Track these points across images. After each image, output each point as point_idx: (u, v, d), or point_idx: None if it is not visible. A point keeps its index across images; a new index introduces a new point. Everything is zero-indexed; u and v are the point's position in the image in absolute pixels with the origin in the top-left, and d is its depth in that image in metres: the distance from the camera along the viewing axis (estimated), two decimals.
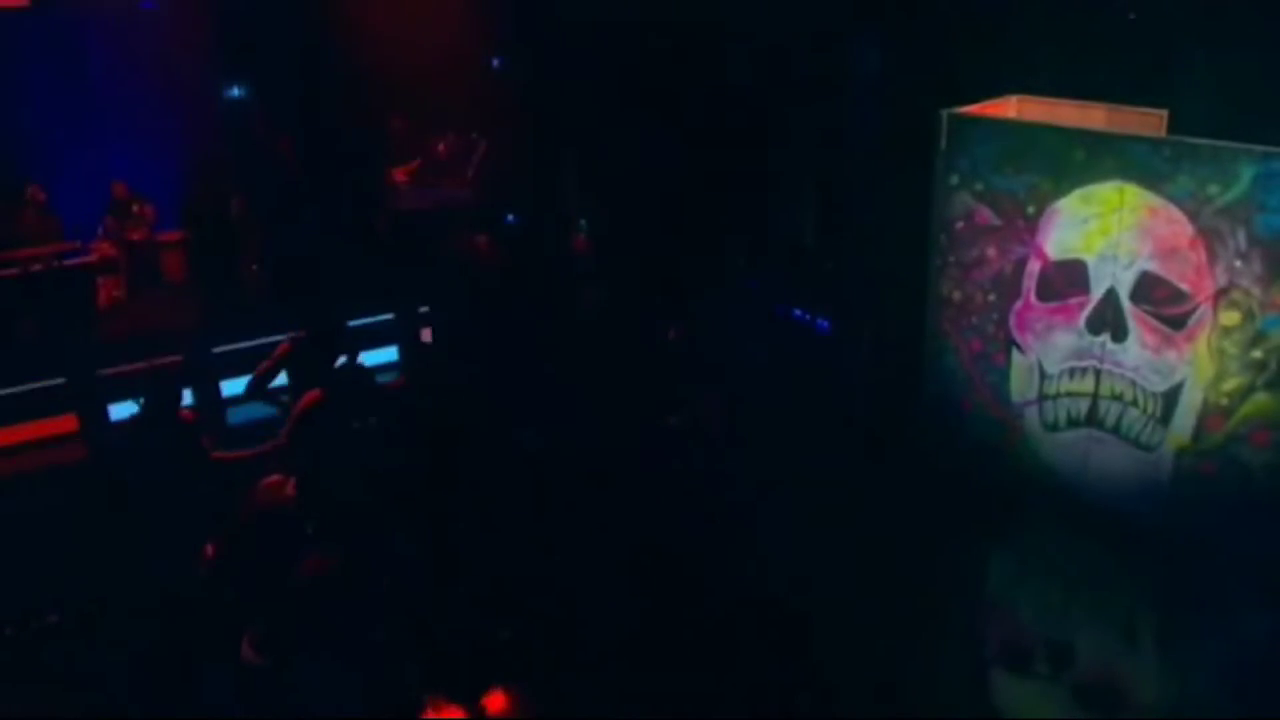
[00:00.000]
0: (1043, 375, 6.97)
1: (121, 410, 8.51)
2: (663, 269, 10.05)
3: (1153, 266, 6.34)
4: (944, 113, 7.01)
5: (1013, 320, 7.04)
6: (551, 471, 7.20)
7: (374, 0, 10.81)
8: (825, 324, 9.85)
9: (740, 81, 9.85)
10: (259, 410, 7.95)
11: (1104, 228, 6.48)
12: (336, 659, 4.93)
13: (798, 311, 10.10)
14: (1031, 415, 7.08)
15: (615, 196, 10.71)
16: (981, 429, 7.31)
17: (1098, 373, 6.71)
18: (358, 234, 10.69)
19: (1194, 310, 6.23)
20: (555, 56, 10.92)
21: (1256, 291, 5.98)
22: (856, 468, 7.53)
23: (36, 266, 8.91)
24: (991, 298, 7.10)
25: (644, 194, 10.44)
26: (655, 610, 6.05)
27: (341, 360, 7.20)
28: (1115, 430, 6.72)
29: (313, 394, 6.29)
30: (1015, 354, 7.08)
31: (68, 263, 9.19)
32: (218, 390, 8.90)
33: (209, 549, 5.04)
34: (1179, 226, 6.18)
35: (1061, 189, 6.62)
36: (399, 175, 11.06)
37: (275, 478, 5.12)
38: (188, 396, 8.56)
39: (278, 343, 7.23)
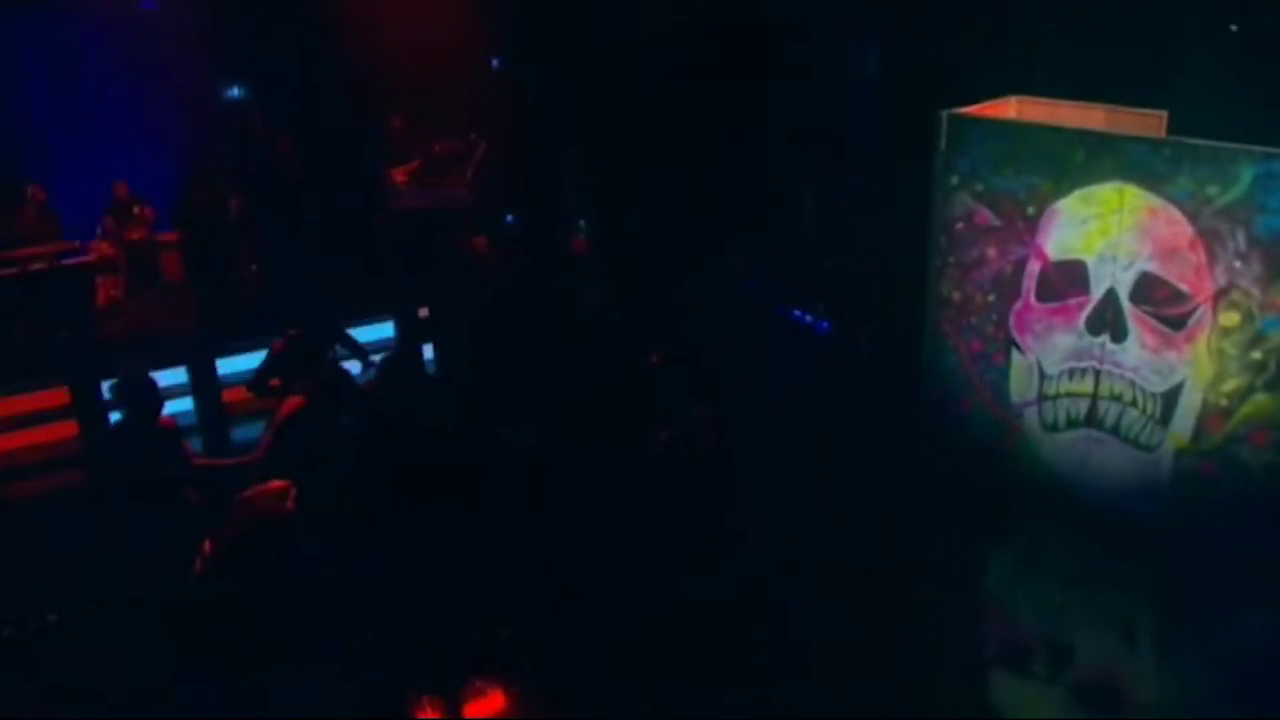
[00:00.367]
0: (1042, 376, 6.97)
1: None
2: (662, 269, 10.06)
3: (1152, 267, 6.34)
4: (944, 113, 7.01)
5: (1012, 321, 7.04)
6: (544, 470, 7.21)
7: (374, 0, 10.82)
8: (825, 324, 9.85)
9: (740, 81, 9.85)
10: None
11: (1104, 228, 6.48)
12: (324, 661, 4.95)
13: (798, 312, 10.11)
14: (1031, 416, 7.08)
15: (615, 197, 10.72)
16: (981, 429, 7.31)
17: (1097, 373, 6.71)
18: (357, 234, 10.69)
19: (1193, 311, 6.23)
20: (555, 57, 10.92)
21: (1256, 292, 5.98)
22: (857, 468, 7.54)
23: (37, 266, 8.91)
24: (991, 298, 7.10)
25: (643, 194, 10.45)
26: (649, 611, 6.05)
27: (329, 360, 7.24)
28: (1115, 431, 6.72)
29: (292, 402, 6.27)
30: (1015, 354, 7.08)
31: (66, 262, 9.18)
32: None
33: (205, 546, 5.04)
34: (1179, 227, 6.18)
35: (1061, 189, 6.61)
36: (398, 175, 11.06)
37: (275, 484, 5.13)
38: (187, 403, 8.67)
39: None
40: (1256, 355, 6.07)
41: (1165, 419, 6.48)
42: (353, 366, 7.80)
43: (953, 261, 7.22)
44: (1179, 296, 6.27)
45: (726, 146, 10.05)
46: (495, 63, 11.99)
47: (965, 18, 7.88)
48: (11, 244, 9.22)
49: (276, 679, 5.18)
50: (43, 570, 6.41)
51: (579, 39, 10.69)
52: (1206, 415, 6.31)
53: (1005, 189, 6.85)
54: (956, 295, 7.26)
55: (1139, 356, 6.50)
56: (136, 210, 10.23)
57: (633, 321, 9.40)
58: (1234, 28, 7.06)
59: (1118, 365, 6.61)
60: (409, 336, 9.89)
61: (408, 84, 10.83)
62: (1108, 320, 6.58)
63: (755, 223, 10.27)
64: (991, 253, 7.02)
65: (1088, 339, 6.70)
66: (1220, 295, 6.10)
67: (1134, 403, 6.57)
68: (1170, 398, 6.43)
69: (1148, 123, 6.77)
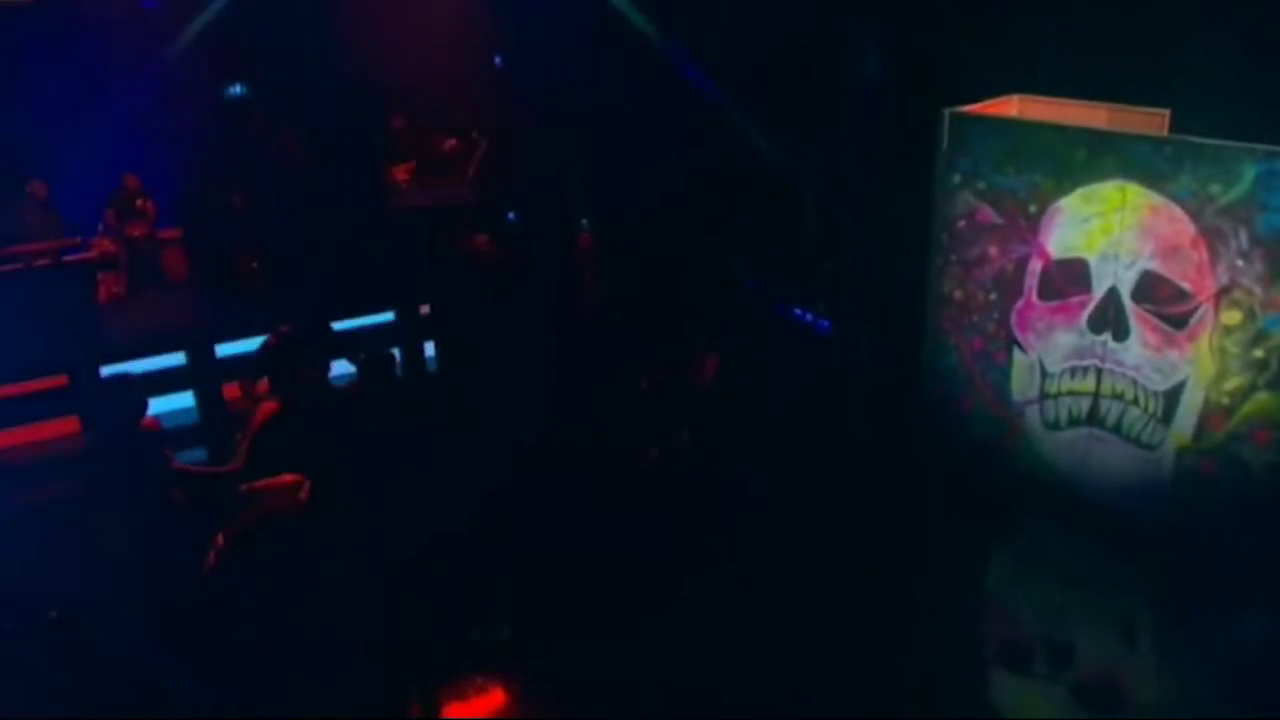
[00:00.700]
0: (1044, 374, 6.97)
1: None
2: (663, 268, 10.06)
3: (1154, 265, 6.34)
4: (946, 112, 7.02)
5: (1014, 319, 7.04)
6: (543, 469, 7.22)
7: None
8: (825, 323, 9.85)
9: (742, 80, 9.86)
10: None
11: (1106, 227, 6.48)
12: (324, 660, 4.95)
13: (798, 311, 10.11)
14: (1032, 414, 7.08)
15: (616, 196, 10.71)
16: (983, 428, 7.31)
17: (1099, 371, 6.72)
18: (358, 232, 10.68)
19: (1195, 309, 6.24)
20: (556, 55, 10.92)
21: (1258, 291, 5.99)
22: (857, 467, 7.54)
23: (41, 262, 8.90)
24: (993, 296, 7.10)
25: (645, 193, 10.44)
26: (649, 611, 6.04)
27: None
28: (1116, 429, 6.72)
29: (265, 409, 6.22)
30: (1016, 353, 7.08)
31: (68, 258, 9.17)
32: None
33: (219, 539, 5.04)
34: (1181, 226, 6.18)
35: (1063, 188, 6.62)
36: (399, 174, 11.06)
37: (288, 477, 5.13)
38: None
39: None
40: (1258, 354, 6.07)
41: (1167, 417, 6.48)
42: (340, 366, 7.73)
43: (954, 260, 7.23)
44: (1181, 295, 6.27)
45: (728, 145, 10.05)
46: (497, 61, 11.98)
47: (967, 16, 7.89)
48: (12, 241, 9.21)
49: (275, 678, 5.19)
50: (42, 567, 6.40)
51: (581, 37, 10.69)
52: (1208, 414, 6.31)
53: (1007, 187, 6.85)
54: (958, 294, 7.26)
55: (1141, 355, 6.50)
56: (140, 203, 10.23)
57: (633, 321, 9.40)
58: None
59: (1119, 364, 6.61)
60: (408, 335, 9.89)
61: (409, 82, 10.83)
62: (1109, 319, 6.58)
63: (757, 221, 10.27)
64: (993, 251, 7.03)
65: (1089, 337, 6.70)
66: (1222, 294, 6.11)
67: (1136, 401, 6.58)
68: (1172, 396, 6.43)
69: (1150, 121, 6.79)
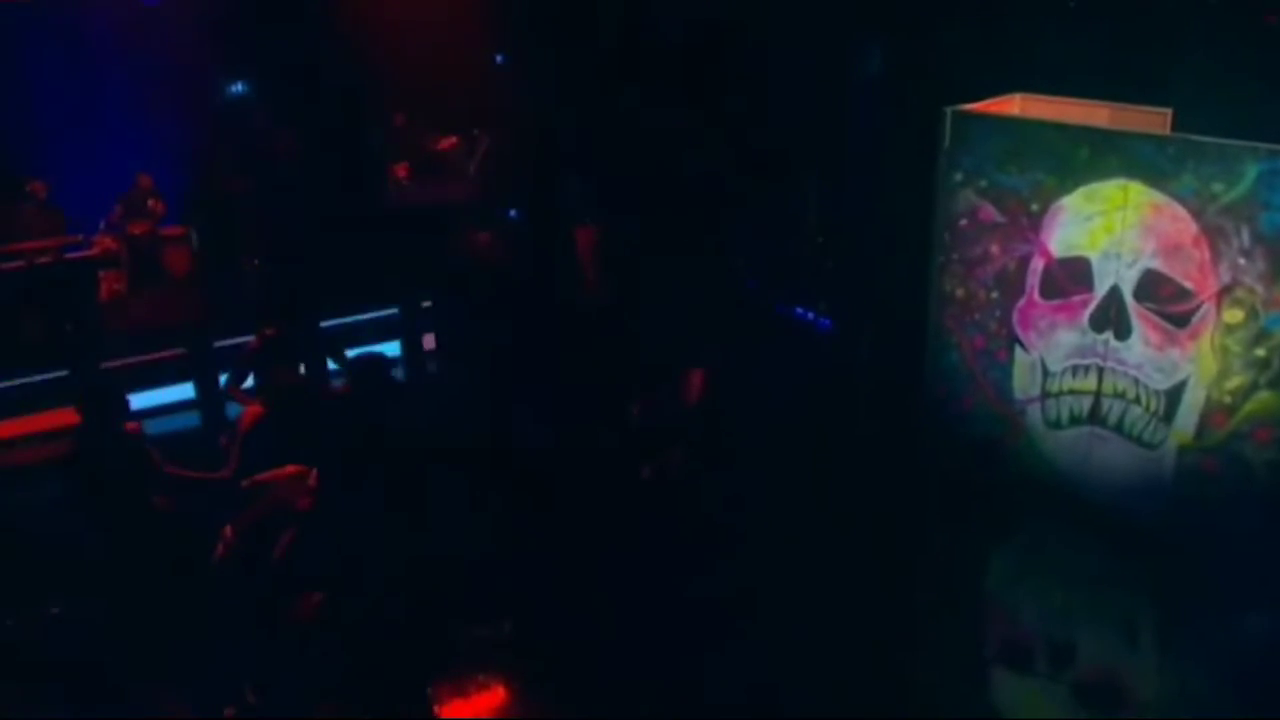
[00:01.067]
0: (1045, 373, 6.97)
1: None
2: (664, 267, 10.05)
3: (1156, 264, 6.34)
4: (948, 110, 7.01)
5: (1016, 317, 7.04)
6: (542, 469, 7.22)
7: None
8: (826, 322, 9.85)
9: (744, 79, 9.85)
10: None
11: (1108, 225, 6.48)
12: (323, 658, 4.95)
13: (799, 310, 10.11)
14: (1034, 413, 7.08)
15: (618, 194, 10.71)
16: (984, 426, 7.31)
17: (1100, 370, 6.71)
18: (358, 230, 10.68)
19: (1197, 308, 6.23)
20: (558, 53, 10.92)
21: (1260, 289, 5.98)
22: (859, 465, 7.53)
23: (43, 259, 8.93)
24: (994, 295, 7.10)
25: (646, 191, 10.44)
26: (643, 612, 6.04)
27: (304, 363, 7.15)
28: (1118, 428, 6.71)
29: (251, 413, 6.20)
30: (1018, 351, 7.08)
31: (70, 256, 9.19)
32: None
33: (228, 531, 5.04)
34: (1183, 224, 6.18)
35: (1065, 186, 6.61)
36: (400, 171, 11.06)
37: (292, 468, 5.14)
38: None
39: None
40: (1260, 352, 6.06)
41: (1168, 416, 6.48)
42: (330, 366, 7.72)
43: (956, 258, 7.22)
44: (1183, 294, 6.26)
45: (730, 144, 10.04)
46: (498, 58, 11.99)
47: (969, 16, 7.88)
48: (13, 240, 9.23)
49: (274, 677, 5.20)
50: (44, 565, 6.41)
51: (582, 35, 10.69)
52: (1210, 412, 6.30)
53: (1009, 186, 6.85)
54: (960, 292, 7.26)
55: (1142, 353, 6.50)
56: (151, 203, 10.26)
57: (633, 320, 9.40)
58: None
59: (1121, 362, 6.60)
60: (407, 334, 9.90)
61: (410, 80, 10.83)
62: (1111, 317, 6.58)
63: (758, 220, 10.27)
64: (995, 249, 7.02)
65: (1091, 336, 6.69)
66: (1224, 292, 6.10)
67: (1137, 400, 6.57)
68: (1174, 395, 6.43)
69: (1152, 120, 6.78)
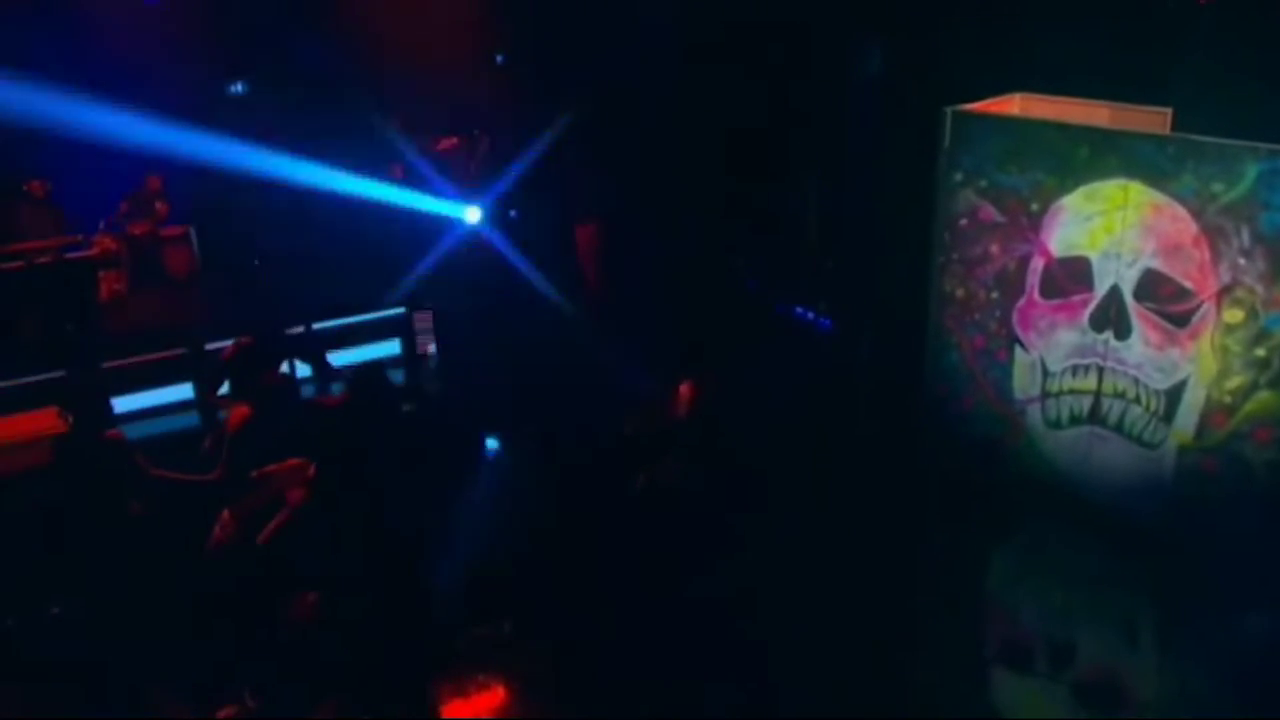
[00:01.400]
0: (1045, 372, 6.97)
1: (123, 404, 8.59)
2: (665, 266, 10.05)
3: (1156, 264, 6.34)
4: (948, 110, 7.01)
5: (1016, 317, 7.04)
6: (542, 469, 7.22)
7: None
8: (826, 322, 9.85)
9: (744, 78, 9.84)
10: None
11: (1108, 225, 6.48)
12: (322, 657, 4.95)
13: (799, 310, 10.11)
14: (1034, 412, 7.08)
15: (619, 194, 10.71)
16: (984, 426, 7.31)
17: (1100, 370, 6.71)
18: (358, 230, 10.68)
19: (1197, 308, 6.23)
20: (558, 52, 10.92)
21: (1260, 289, 5.98)
22: (859, 465, 7.53)
23: (43, 259, 8.92)
24: (994, 295, 7.10)
25: (647, 191, 10.44)
26: (643, 612, 6.03)
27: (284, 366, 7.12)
28: (1118, 428, 6.71)
29: (238, 415, 6.20)
30: (1018, 351, 7.08)
31: (69, 256, 9.18)
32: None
33: (225, 515, 5.03)
34: (1183, 224, 6.17)
35: (1065, 186, 6.61)
36: (398, 173, 11.04)
37: (297, 461, 5.14)
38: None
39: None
40: (1260, 352, 6.06)
41: (1168, 416, 6.48)
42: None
43: (956, 258, 7.22)
44: (1183, 293, 6.26)
45: (730, 144, 10.04)
46: (499, 59, 11.99)
47: (969, 15, 7.88)
48: (12, 239, 9.22)
49: (273, 675, 5.19)
50: (44, 564, 6.39)
51: (582, 35, 10.68)
52: (1210, 412, 6.30)
53: (1009, 185, 6.85)
54: (960, 292, 7.26)
55: (1142, 353, 6.49)
56: (158, 205, 10.27)
57: (634, 320, 9.40)
58: None
59: (1121, 362, 6.60)
60: (409, 332, 9.90)
61: (411, 79, 10.83)
62: (1111, 317, 6.57)
63: (758, 220, 10.27)
64: (995, 249, 7.02)
65: (1091, 336, 6.69)
66: (1224, 292, 6.10)
67: (1137, 400, 6.57)
68: (1174, 395, 6.42)
69: (1153, 119, 6.78)
